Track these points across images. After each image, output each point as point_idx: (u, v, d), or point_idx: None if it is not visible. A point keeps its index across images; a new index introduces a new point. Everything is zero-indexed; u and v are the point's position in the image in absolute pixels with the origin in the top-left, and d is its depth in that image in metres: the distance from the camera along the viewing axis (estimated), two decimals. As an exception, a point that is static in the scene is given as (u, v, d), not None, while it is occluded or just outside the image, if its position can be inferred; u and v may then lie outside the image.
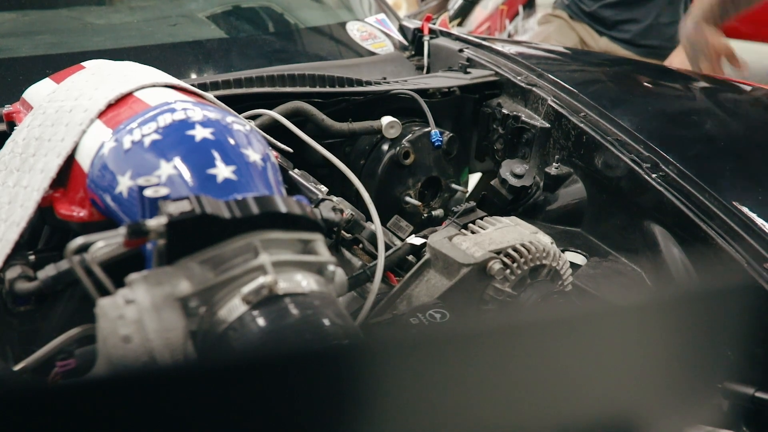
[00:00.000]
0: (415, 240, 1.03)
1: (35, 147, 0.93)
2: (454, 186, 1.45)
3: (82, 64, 1.07)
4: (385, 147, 1.38)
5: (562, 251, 1.02)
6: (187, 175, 0.79)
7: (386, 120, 1.36)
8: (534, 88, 1.47)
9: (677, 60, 1.99)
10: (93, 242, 0.70)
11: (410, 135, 1.38)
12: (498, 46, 1.67)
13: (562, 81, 1.46)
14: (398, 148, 1.36)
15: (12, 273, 0.85)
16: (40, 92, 1.04)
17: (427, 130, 1.39)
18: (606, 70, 1.67)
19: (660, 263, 1.16)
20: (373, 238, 1.03)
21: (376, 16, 1.89)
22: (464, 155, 1.57)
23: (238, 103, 1.19)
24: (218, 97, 1.08)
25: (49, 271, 0.80)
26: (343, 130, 1.34)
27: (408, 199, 1.38)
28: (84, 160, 0.88)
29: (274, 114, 1.22)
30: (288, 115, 1.25)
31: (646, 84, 1.56)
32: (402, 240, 1.09)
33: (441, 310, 0.90)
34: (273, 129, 1.20)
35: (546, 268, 0.98)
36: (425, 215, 1.44)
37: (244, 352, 0.65)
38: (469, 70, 1.57)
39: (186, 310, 0.69)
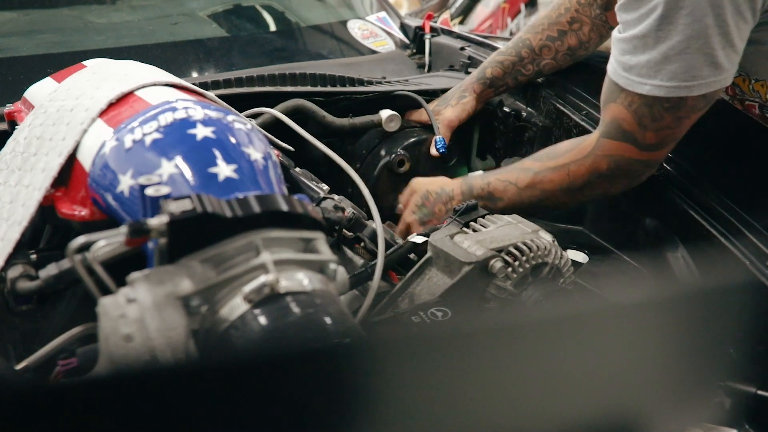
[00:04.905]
0: (417, 238, 1.03)
1: (36, 146, 0.93)
2: None
3: (83, 63, 1.07)
4: (383, 152, 1.36)
5: (564, 249, 1.01)
6: (188, 173, 0.79)
7: (386, 114, 1.35)
8: None
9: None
10: (94, 241, 0.70)
11: (407, 142, 1.36)
12: (500, 45, 1.66)
13: (564, 78, 1.46)
14: (393, 156, 1.35)
15: (14, 272, 0.84)
16: (41, 91, 1.04)
17: (425, 137, 1.38)
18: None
19: (662, 261, 1.15)
20: (374, 237, 1.03)
21: (377, 15, 1.89)
22: (464, 156, 1.57)
23: (239, 102, 1.19)
24: (219, 96, 1.08)
25: (50, 270, 0.80)
26: (344, 126, 1.33)
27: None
28: (85, 159, 0.88)
29: (275, 112, 1.21)
30: (289, 113, 1.24)
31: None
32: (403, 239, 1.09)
33: (442, 308, 0.90)
34: (274, 127, 1.20)
35: (548, 266, 0.98)
36: None
37: (245, 350, 0.65)
38: (470, 69, 1.57)
39: (187, 308, 0.69)
